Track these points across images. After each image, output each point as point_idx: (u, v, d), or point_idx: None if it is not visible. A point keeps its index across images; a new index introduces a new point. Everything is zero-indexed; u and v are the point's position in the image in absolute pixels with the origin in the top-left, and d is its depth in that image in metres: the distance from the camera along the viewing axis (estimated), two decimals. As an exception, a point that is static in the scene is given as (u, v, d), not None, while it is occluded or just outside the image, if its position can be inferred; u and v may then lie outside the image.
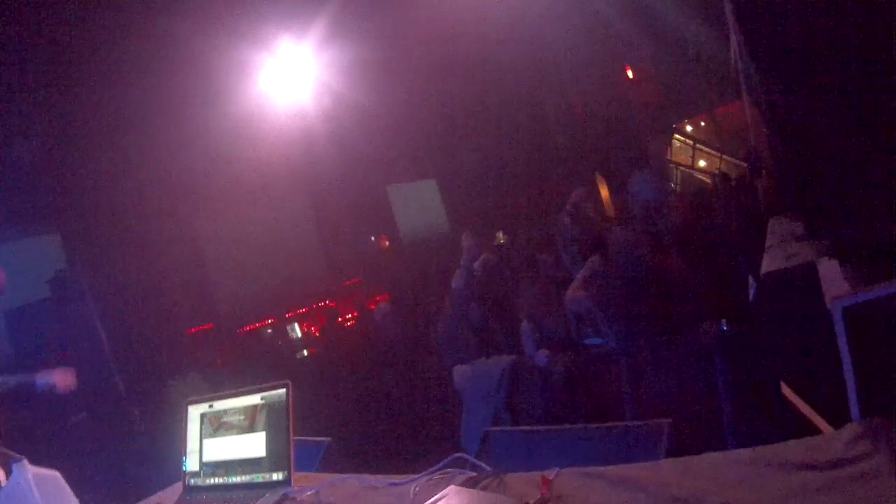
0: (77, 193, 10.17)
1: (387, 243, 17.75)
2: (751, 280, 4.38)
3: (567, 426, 2.87)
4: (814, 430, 2.15)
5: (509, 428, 3.82)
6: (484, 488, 1.87)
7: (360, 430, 5.61)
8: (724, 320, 4.49)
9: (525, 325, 5.37)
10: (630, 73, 16.86)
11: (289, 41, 10.29)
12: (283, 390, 2.55)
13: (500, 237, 13.70)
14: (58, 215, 10.54)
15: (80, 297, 8.44)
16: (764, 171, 6.18)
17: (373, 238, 17.71)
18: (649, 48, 15.40)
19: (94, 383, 7.91)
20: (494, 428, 3.62)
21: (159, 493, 2.79)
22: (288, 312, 14.48)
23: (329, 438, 3.12)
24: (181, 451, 2.74)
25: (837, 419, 1.69)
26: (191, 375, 8.10)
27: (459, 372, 5.27)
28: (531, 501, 1.65)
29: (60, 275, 8.81)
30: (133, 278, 10.06)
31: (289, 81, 10.89)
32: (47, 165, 9.77)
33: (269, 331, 14.07)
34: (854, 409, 1.64)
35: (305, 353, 12.46)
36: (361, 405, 6.27)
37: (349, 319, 12.59)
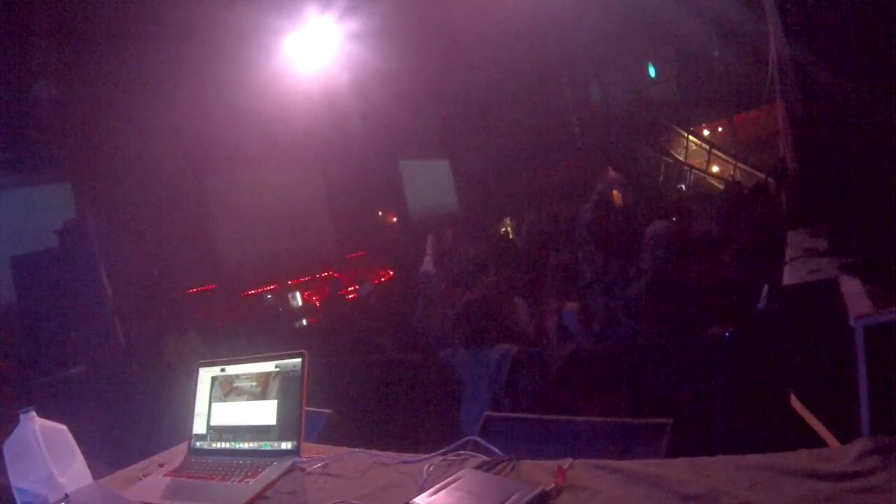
0: (90, 144, 10.20)
1: (394, 219, 17.77)
2: (764, 290, 4.41)
3: (569, 417, 2.91)
4: (819, 442, 2.19)
5: (510, 414, 3.84)
6: (497, 473, 1.91)
7: (358, 403, 5.63)
8: (728, 327, 4.52)
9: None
10: (652, 72, 16.83)
11: (314, 9, 10.27)
12: (298, 360, 2.55)
13: (508, 223, 13.72)
14: (70, 164, 10.57)
15: (87, 248, 8.45)
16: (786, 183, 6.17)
17: (380, 213, 17.72)
18: (674, 49, 15.38)
19: (96, 336, 7.95)
20: (495, 413, 3.66)
21: (162, 454, 2.79)
22: (291, 280, 14.51)
23: (330, 410, 3.13)
24: (188, 413, 2.76)
25: (845, 434, 1.72)
26: (188, 334, 8.12)
27: (459, 356, 5.29)
28: (547, 489, 1.68)
29: (69, 225, 8.81)
30: (140, 233, 10.10)
31: (311, 49, 10.89)
32: (61, 114, 9.78)
33: (270, 297, 14.10)
34: (865, 425, 1.68)
35: (305, 322, 12.46)
36: (360, 379, 6.27)
37: (351, 292, 12.60)
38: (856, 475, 1.52)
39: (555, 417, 2.91)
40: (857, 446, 1.62)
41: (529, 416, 3.12)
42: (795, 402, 2.42)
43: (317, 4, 10.16)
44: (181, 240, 11.94)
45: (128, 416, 6.03)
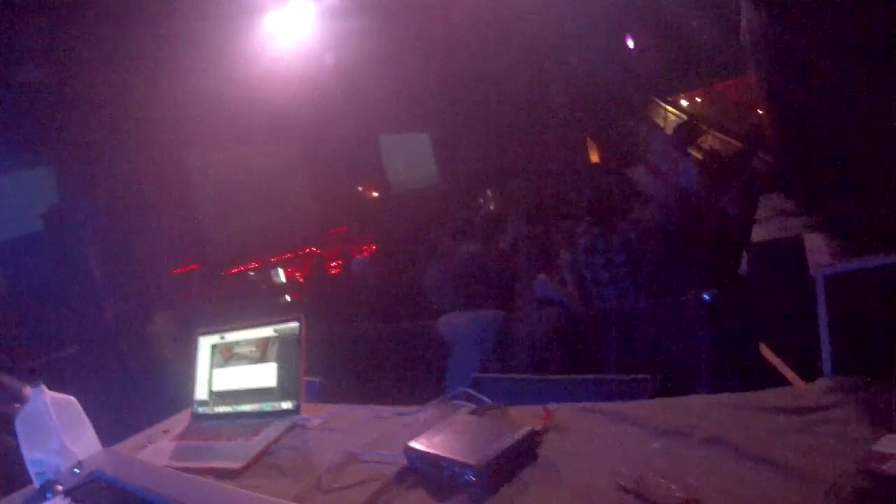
0: (71, 127, 10.17)
1: (375, 193, 17.80)
2: (745, 253, 4.57)
3: (556, 376, 3.04)
4: (786, 385, 2.34)
5: (498, 375, 3.96)
6: (489, 418, 2.05)
7: (347, 372, 5.72)
8: (711, 291, 4.66)
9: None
10: (631, 43, 16.90)
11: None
12: (296, 323, 2.67)
13: (489, 194, 13.78)
14: (52, 148, 10.55)
15: (73, 230, 8.50)
16: (761, 149, 6.27)
17: (360, 188, 17.74)
18: (652, 19, 15.43)
19: (85, 316, 8.03)
20: (483, 374, 3.79)
21: (166, 421, 2.89)
22: (273, 257, 14.55)
23: (320, 378, 3.24)
24: (190, 380, 2.87)
25: (810, 377, 1.86)
26: (174, 313, 8.20)
27: (446, 321, 5.38)
28: (536, 428, 1.82)
29: (54, 208, 8.85)
30: (124, 214, 10.11)
31: (290, 27, 10.91)
32: (39, 98, 9.76)
33: (254, 274, 14.15)
34: (826, 368, 1.82)
35: (289, 298, 12.53)
36: (346, 350, 6.36)
37: (334, 267, 12.66)
38: (818, 409, 1.66)
39: (541, 376, 3.05)
40: (819, 385, 1.77)
41: (517, 375, 3.26)
42: (766, 352, 2.56)
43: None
44: (164, 220, 11.95)
45: (124, 391, 6.12)
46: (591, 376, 2.85)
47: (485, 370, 4.67)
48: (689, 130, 8.06)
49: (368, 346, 6.36)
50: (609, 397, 2.38)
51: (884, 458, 1.31)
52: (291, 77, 11.77)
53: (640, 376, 2.58)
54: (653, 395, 2.47)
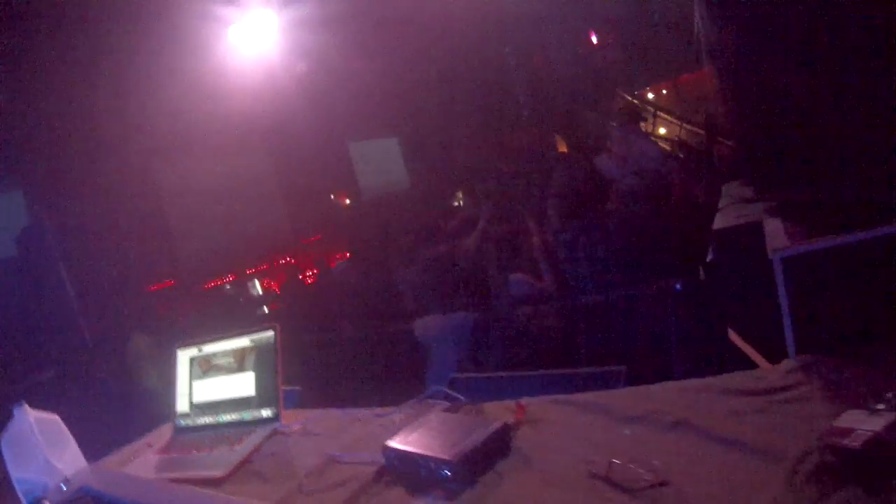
0: (39, 148, 10.09)
1: (347, 201, 17.78)
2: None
3: (529, 372, 3.08)
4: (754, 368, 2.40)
5: (474, 374, 4.00)
6: (463, 414, 2.09)
7: (326, 380, 5.74)
8: (681, 279, 4.72)
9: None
10: (594, 38, 17.01)
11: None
12: (271, 332, 2.70)
13: (460, 196, 13.80)
14: (21, 170, 10.45)
15: (47, 252, 8.44)
16: (720, 138, 6.34)
17: (332, 196, 17.71)
18: (614, 13, 15.53)
19: (62, 339, 7.98)
20: (460, 374, 3.82)
21: (149, 435, 2.90)
22: (249, 269, 14.50)
23: (299, 387, 3.27)
24: (170, 394, 2.88)
25: (777, 358, 1.92)
26: (152, 331, 8.14)
27: (421, 324, 5.42)
28: (509, 422, 1.86)
29: (26, 231, 8.79)
30: (96, 233, 10.04)
31: (255, 38, 10.87)
32: (8, 119, 9.67)
33: (230, 287, 14.09)
34: (790, 348, 1.87)
35: (266, 310, 12.48)
36: (324, 357, 6.38)
37: (309, 276, 12.64)
38: (782, 389, 1.72)
39: (515, 373, 3.09)
40: (783, 366, 1.83)
41: (492, 374, 3.30)
42: (734, 337, 2.63)
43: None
44: (138, 237, 11.87)
45: (105, 409, 6.10)
46: (564, 370, 2.90)
47: (461, 370, 4.72)
48: (630, 112, 8.17)
49: (346, 352, 6.39)
50: (583, 390, 2.42)
51: (845, 432, 1.36)
52: (258, 88, 11.73)
53: (612, 368, 2.63)
54: (626, 386, 2.51)
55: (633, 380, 2.48)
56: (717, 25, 2.25)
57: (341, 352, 6.45)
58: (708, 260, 4.73)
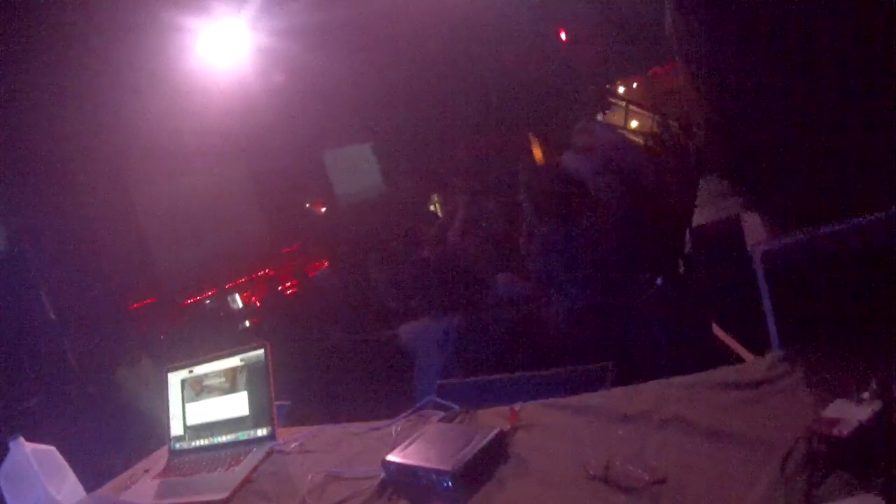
0: (12, 174, 10.00)
1: (323, 209, 17.74)
2: (687, 234, 4.68)
3: (517, 374, 3.11)
4: (741, 363, 2.45)
5: (461, 379, 4.01)
6: (458, 424, 2.12)
7: (313, 391, 5.74)
8: (659, 276, 4.76)
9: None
10: (563, 35, 17.05)
11: (229, 8, 10.22)
12: (261, 350, 2.72)
13: (436, 200, 13.80)
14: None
15: (24, 278, 8.39)
16: (695, 132, 6.36)
17: (308, 204, 17.67)
18: (583, 7, 15.58)
19: (48, 364, 7.92)
20: (447, 380, 3.85)
21: (145, 460, 2.91)
22: (228, 283, 14.42)
23: (289, 402, 3.29)
24: (164, 417, 2.89)
25: (760, 350, 1.96)
26: (139, 363, 8.07)
27: (407, 330, 5.43)
28: (504, 429, 1.90)
29: (2, 258, 8.73)
30: (75, 255, 9.98)
31: (227, 48, 10.83)
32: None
33: (210, 302, 14.01)
34: (774, 340, 1.92)
35: (248, 323, 12.42)
36: (310, 368, 6.37)
37: (289, 287, 12.60)
38: (769, 381, 1.76)
39: (503, 376, 3.12)
40: (768, 359, 1.87)
41: (479, 378, 3.32)
42: (717, 330, 2.68)
43: (232, 3, 10.10)
44: (116, 257, 11.79)
45: (96, 434, 6.06)
46: (551, 371, 2.93)
47: (448, 375, 4.73)
48: (595, 95, 8.17)
49: (332, 362, 6.39)
50: (571, 389, 2.45)
51: (833, 422, 1.40)
52: (230, 100, 11.70)
53: (599, 365, 2.66)
54: (613, 384, 2.55)
55: (621, 377, 2.52)
56: (689, 18, 2.27)
57: (326, 362, 6.44)
58: (686, 252, 4.79)
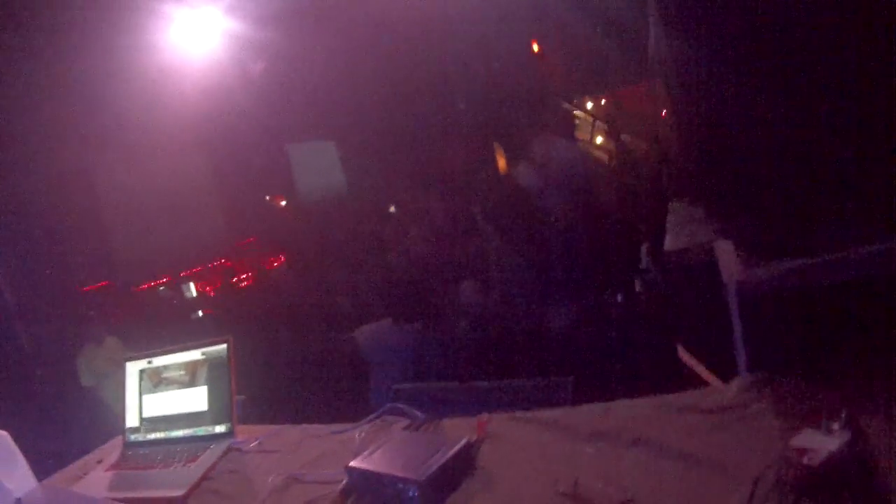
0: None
1: (283, 202, 17.61)
2: (643, 250, 4.72)
3: (476, 383, 3.11)
4: (704, 385, 2.47)
5: (420, 384, 4.00)
6: (423, 432, 2.11)
7: (266, 389, 5.69)
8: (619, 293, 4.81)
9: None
10: (535, 47, 17.12)
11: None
12: (224, 346, 2.68)
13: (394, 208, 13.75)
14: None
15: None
16: (666, 155, 6.41)
17: (268, 197, 17.52)
18: (557, 22, 15.65)
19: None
20: (404, 385, 3.83)
21: (98, 450, 2.85)
22: (183, 271, 14.25)
23: (243, 396, 3.25)
24: (119, 407, 2.83)
25: (727, 376, 1.98)
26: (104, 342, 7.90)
27: (364, 333, 5.40)
28: (471, 440, 1.89)
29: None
30: (29, 233, 9.78)
31: (195, 36, 10.73)
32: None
33: (164, 289, 13.83)
34: (742, 367, 1.94)
35: (201, 313, 12.31)
36: (264, 365, 6.32)
37: (244, 279, 12.51)
38: (736, 407, 1.78)
39: (462, 384, 3.12)
40: (736, 384, 1.89)
41: (438, 384, 3.32)
42: (683, 353, 2.70)
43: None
44: (72, 237, 11.59)
45: (45, 420, 5.93)
46: (510, 381, 2.94)
47: (404, 380, 4.72)
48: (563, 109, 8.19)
49: (287, 359, 6.34)
50: (529, 401, 2.45)
51: (802, 451, 1.42)
52: (197, 88, 11.59)
53: (559, 379, 2.67)
54: (572, 397, 2.56)
55: (581, 391, 2.53)
56: (673, 39, 2.28)
57: (281, 359, 6.40)
58: (643, 269, 4.84)
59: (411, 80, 15.70)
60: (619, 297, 4.83)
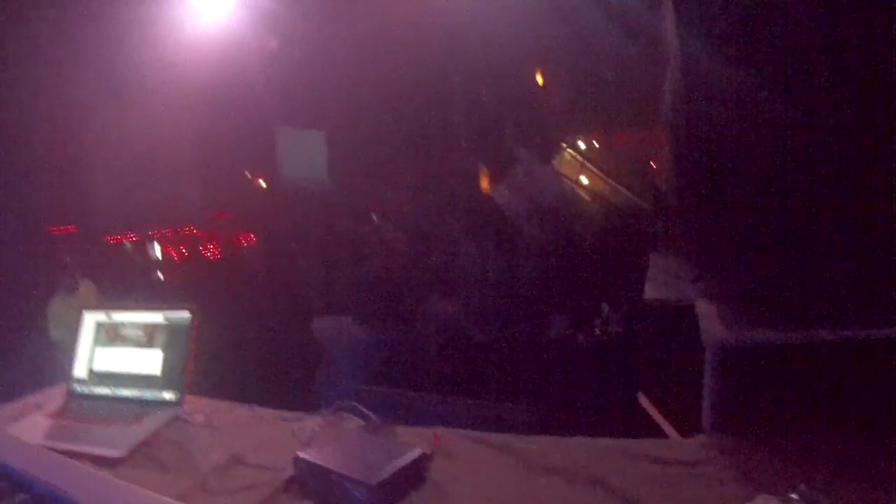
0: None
1: (263, 184, 17.49)
2: (605, 308, 4.74)
3: (435, 395, 3.10)
4: (661, 434, 2.47)
5: (383, 388, 3.97)
6: (378, 435, 2.08)
7: (219, 362, 5.62)
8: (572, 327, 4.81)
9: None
10: (539, 79, 17.20)
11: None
12: (187, 314, 2.61)
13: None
14: None
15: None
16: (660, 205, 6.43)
17: (248, 174, 17.38)
18: (565, 57, 15.71)
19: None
20: (367, 387, 3.80)
21: (38, 393, 2.77)
22: (151, 231, 14.07)
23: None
24: (68, 355, 2.76)
25: (685, 429, 1.97)
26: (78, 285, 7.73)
27: (324, 325, 5.36)
28: (426, 452, 1.85)
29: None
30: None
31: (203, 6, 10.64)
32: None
33: (130, 247, 13.65)
34: (706, 425, 1.94)
35: (161, 276, 12.16)
36: (218, 339, 6.24)
37: (211, 251, 12.39)
38: (696, 464, 1.77)
39: (424, 395, 3.10)
40: (697, 440, 1.89)
41: (399, 391, 3.29)
42: (644, 401, 2.70)
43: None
44: (39, 170, 11.36)
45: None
46: (471, 400, 2.92)
47: (357, 378, 4.68)
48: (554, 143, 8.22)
49: (244, 338, 6.27)
50: (487, 421, 2.43)
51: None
52: (195, 51, 11.46)
53: (518, 406, 2.66)
54: (529, 424, 2.54)
55: (540, 420, 2.51)
56: (693, 90, 2.27)
57: (237, 336, 6.33)
58: (604, 317, 4.85)
59: (412, 86, 15.70)
60: (580, 338, 4.83)
